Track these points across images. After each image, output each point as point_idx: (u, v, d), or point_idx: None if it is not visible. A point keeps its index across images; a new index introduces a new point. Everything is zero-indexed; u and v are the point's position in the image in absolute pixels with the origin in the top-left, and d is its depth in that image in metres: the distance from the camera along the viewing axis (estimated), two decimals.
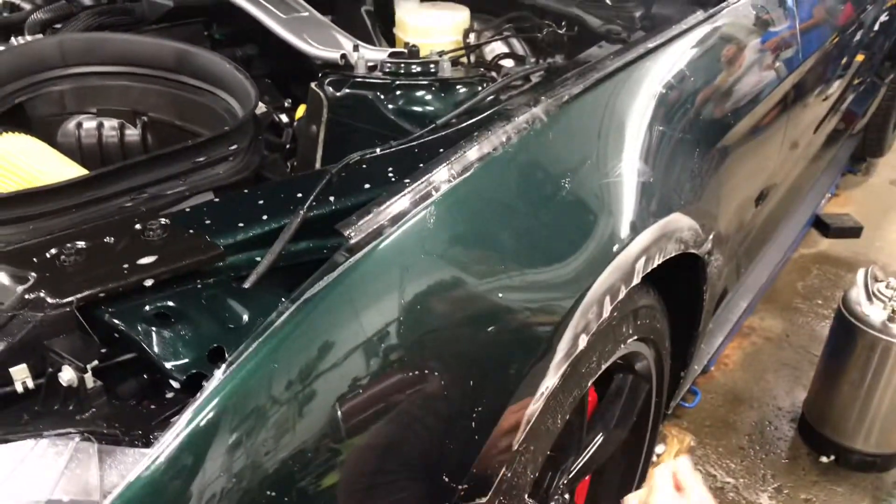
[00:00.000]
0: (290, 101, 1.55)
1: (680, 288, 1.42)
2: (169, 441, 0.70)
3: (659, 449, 2.08)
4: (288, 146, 1.41)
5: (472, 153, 0.94)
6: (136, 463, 0.69)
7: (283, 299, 0.80)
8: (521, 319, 0.94)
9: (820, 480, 2.10)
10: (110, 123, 1.22)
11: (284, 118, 1.49)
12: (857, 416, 2.11)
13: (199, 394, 0.72)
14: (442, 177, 0.91)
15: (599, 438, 1.41)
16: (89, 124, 1.21)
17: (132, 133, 1.22)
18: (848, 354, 2.07)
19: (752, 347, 2.65)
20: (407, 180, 0.90)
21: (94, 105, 1.24)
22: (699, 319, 1.50)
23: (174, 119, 1.26)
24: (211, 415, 0.71)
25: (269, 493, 0.73)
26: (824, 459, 2.14)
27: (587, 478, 1.59)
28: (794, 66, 1.82)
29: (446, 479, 0.85)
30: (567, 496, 1.37)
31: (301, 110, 1.46)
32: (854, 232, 3.33)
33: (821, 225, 3.36)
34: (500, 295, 0.91)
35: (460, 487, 0.86)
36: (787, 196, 2.33)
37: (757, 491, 2.06)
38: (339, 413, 0.77)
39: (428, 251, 0.86)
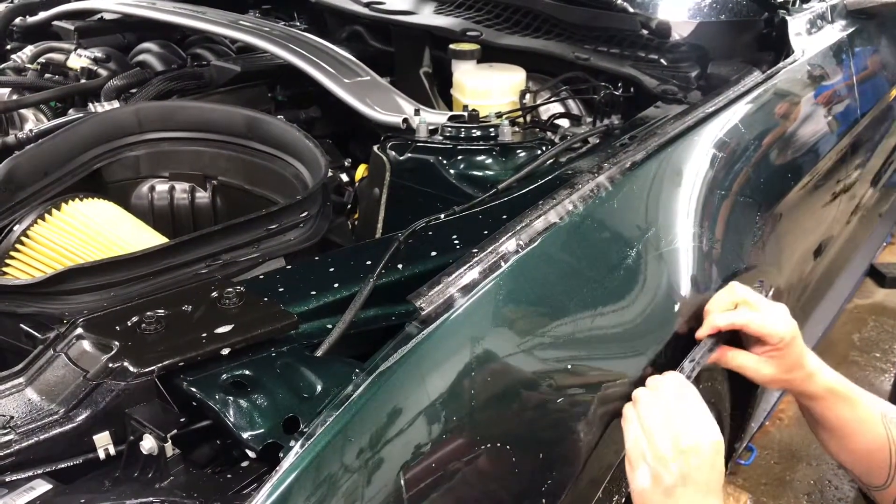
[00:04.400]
0: (349, 160, 1.59)
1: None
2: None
3: None
4: (349, 206, 1.44)
5: (539, 223, 0.96)
6: None
7: (357, 370, 0.82)
8: (588, 389, 0.94)
9: None
10: (181, 186, 1.26)
11: (345, 177, 1.53)
12: None
13: (277, 467, 0.74)
14: (510, 247, 0.92)
15: None
16: (162, 187, 1.26)
17: (202, 196, 1.27)
18: None
19: None
20: (475, 250, 0.92)
21: (166, 169, 1.29)
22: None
23: (243, 183, 1.30)
24: (287, 489, 0.73)
25: None
26: None
27: None
28: (850, 120, 1.81)
29: None
30: None
31: (361, 170, 1.49)
32: None
33: (876, 275, 3.28)
34: (569, 366, 0.91)
35: None
36: (844, 248, 2.29)
37: None
38: (402, 481, 0.78)
39: (497, 322, 0.87)
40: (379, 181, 1.32)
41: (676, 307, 1.04)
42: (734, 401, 1.43)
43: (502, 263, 0.90)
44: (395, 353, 0.81)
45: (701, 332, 0.99)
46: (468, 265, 0.90)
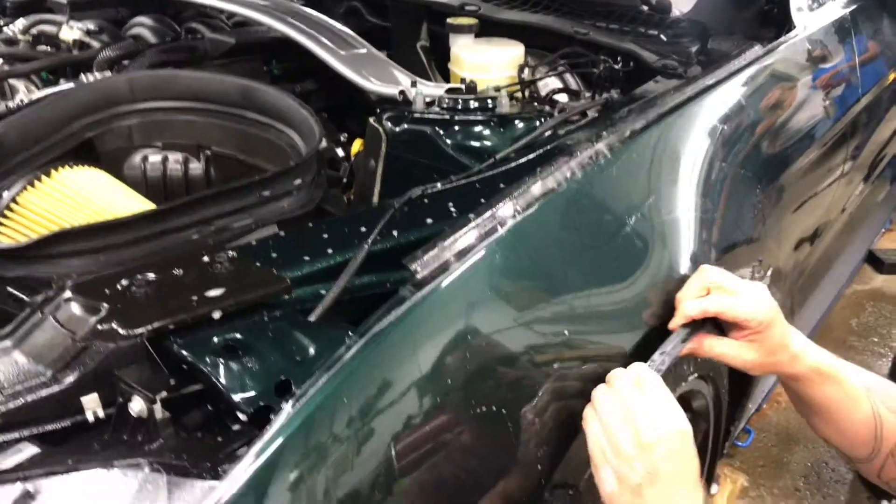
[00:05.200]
0: (345, 135, 1.57)
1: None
2: (238, 475, 0.70)
3: (712, 489, 2.03)
4: (345, 180, 1.43)
5: (536, 188, 0.94)
6: (204, 496, 0.69)
7: (350, 333, 0.81)
8: (584, 356, 0.93)
9: None
10: (175, 157, 1.25)
11: (340, 152, 1.51)
12: None
13: (267, 427, 0.72)
14: (507, 212, 0.91)
15: None
16: (155, 158, 1.24)
17: (196, 166, 1.25)
18: None
19: None
20: (471, 215, 0.90)
21: (159, 139, 1.28)
22: None
23: (237, 153, 1.28)
24: (279, 451, 0.72)
25: None
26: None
27: None
28: (852, 101, 1.80)
29: None
30: None
31: (357, 144, 1.47)
32: None
33: (875, 261, 3.27)
34: (566, 332, 0.90)
35: None
36: (842, 232, 2.28)
37: None
38: (393, 451, 0.77)
39: (493, 287, 0.86)
40: (375, 153, 1.30)
41: (676, 276, 1.02)
42: (732, 377, 1.42)
43: (499, 228, 0.89)
44: (388, 315, 0.79)
45: (673, 323, 0.93)
46: (464, 230, 0.88)
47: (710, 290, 0.93)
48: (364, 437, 0.76)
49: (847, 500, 2.11)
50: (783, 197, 1.45)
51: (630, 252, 1.00)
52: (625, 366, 0.93)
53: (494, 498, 0.84)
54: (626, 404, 0.80)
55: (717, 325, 0.97)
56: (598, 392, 0.84)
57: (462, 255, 0.86)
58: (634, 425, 0.78)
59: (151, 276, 0.89)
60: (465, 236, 0.88)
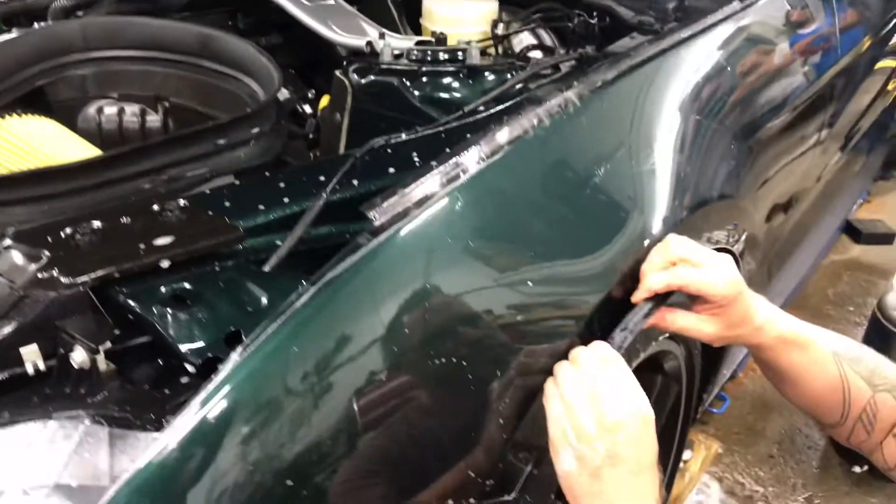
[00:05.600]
0: (314, 91, 1.52)
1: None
2: (182, 425, 0.67)
3: (686, 455, 2.02)
4: (311, 136, 1.38)
5: (502, 135, 0.90)
6: (148, 448, 0.66)
7: (303, 282, 0.77)
8: (547, 311, 0.90)
9: (853, 491, 2.03)
10: (132, 109, 1.20)
11: (308, 109, 1.47)
12: None
13: (213, 376, 0.69)
14: (470, 159, 0.87)
15: None
16: (110, 109, 1.19)
17: (153, 119, 1.20)
18: None
19: None
20: (434, 163, 0.87)
21: (115, 90, 1.22)
22: None
23: (197, 105, 1.23)
24: (226, 401, 0.68)
25: (283, 486, 0.69)
26: (857, 469, 2.07)
27: None
28: (829, 64, 1.77)
29: (472, 475, 0.81)
30: None
31: (325, 101, 1.43)
32: (887, 238, 3.24)
33: (852, 231, 3.27)
34: (530, 284, 0.86)
35: (487, 483, 0.82)
36: (817, 201, 2.27)
37: (787, 500, 2.00)
38: (355, 407, 0.73)
39: (455, 236, 0.82)
40: (340, 106, 1.26)
41: (642, 232, 0.99)
42: None
43: (462, 175, 0.85)
44: (342, 263, 0.76)
45: (636, 296, 0.90)
46: (426, 177, 0.85)
47: (674, 263, 0.90)
48: (320, 390, 0.72)
49: (820, 466, 2.12)
50: (759, 159, 1.42)
51: (599, 204, 0.97)
52: (589, 323, 0.91)
53: (455, 457, 0.81)
54: (590, 385, 0.78)
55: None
56: (562, 370, 0.81)
57: (423, 202, 0.82)
58: (598, 406, 0.76)
59: (97, 224, 0.85)
60: (427, 183, 0.84)
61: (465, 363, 0.80)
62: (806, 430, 2.24)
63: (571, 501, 0.77)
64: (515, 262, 0.86)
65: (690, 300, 0.92)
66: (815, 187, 2.11)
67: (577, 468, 0.76)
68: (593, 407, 0.76)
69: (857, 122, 2.37)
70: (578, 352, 0.83)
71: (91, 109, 1.20)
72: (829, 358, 0.94)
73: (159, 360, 0.81)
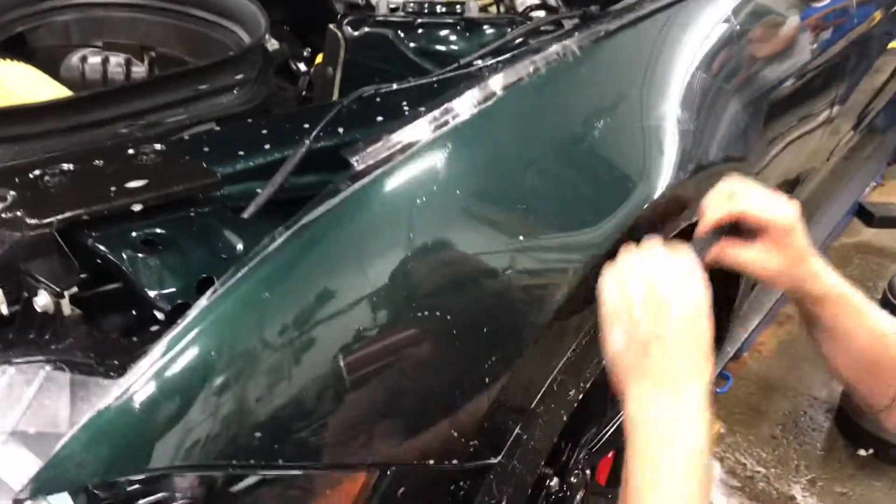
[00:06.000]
0: (309, 49, 1.47)
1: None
2: (145, 369, 0.63)
3: None
4: (304, 93, 1.34)
5: (496, 82, 0.86)
6: (107, 393, 0.63)
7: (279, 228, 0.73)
8: (538, 269, 0.85)
9: (857, 474, 1.99)
10: (116, 59, 1.15)
11: (303, 67, 1.42)
12: None
13: (181, 319, 0.65)
14: (462, 105, 0.83)
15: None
16: (94, 59, 1.15)
17: (139, 70, 1.16)
18: None
19: (788, 336, 2.53)
20: (423, 108, 0.83)
21: (99, 38, 1.18)
22: (735, 293, 1.40)
23: (183, 55, 1.19)
24: (195, 346, 0.65)
25: (261, 441, 0.66)
26: (862, 453, 2.03)
27: (611, 455, 1.51)
28: (844, 33, 1.71)
29: (455, 434, 0.77)
30: (588, 472, 1.28)
31: (320, 59, 1.38)
32: None
33: (864, 214, 3.20)
34: (521, 239, 0.82)
35: (471, 444, 0.78)
36: (828, 181, 2.21)
37: (789, 482, 1.96)
38: (342, 364, 0.70)
39: (441, 182, 0.78)
40: (333, 60, 1.21)
41: (646, 189, 0.95)
42: (716, 298, 1.36)
43: (451, 122, 0.81)
44: (318, 207, 0.72)
45: (700, 230, 0.89)
46: (414, 122, 0.80)
47: (733, 197, 0.88)
48: (303, 347, 0.69)
49: (823, 448, 2.08)
50: (768, 126, 1.36)
51: (597, 160, 0.93)
52: (583, 284, 0.86)
53: (437, 415, 0.77)
54: (650, 263, 0.77)
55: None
56: (625, 252, 0.81)
57: (408, 148, 0.78)
58: (653, 282, 0.75)
59: (67, 166, 0.81)
60: (414, 129, 0.80)
61: (449, 318, 0.76)
62: (810, 412, 2.20)
63: (618, 381, 0.75)
64: (506, 215, 0.82)
65: (748, 239, 0.88)
66: (825, 166, 2.05)
67: (626, 344, 0.74)
68: (649, 282, 0.75)
69: (871, 101, 2.31)
70: (649, 240, 0.82)
71: (74, 58, 1.15)
72: (886, 329, 0.89)
73: (130, 309, 0.77)
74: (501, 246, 0.80)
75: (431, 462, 0.76)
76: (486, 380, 0.78)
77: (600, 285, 0.79)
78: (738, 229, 0.88)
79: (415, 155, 0.77)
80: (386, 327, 0.72)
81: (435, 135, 0.79)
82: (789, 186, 1.68)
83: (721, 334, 1.53)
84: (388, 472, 0.73)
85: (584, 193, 0.90)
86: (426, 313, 0.74)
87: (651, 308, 0.74)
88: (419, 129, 0.80)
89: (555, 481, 1.20)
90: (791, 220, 0.86)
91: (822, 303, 0.89)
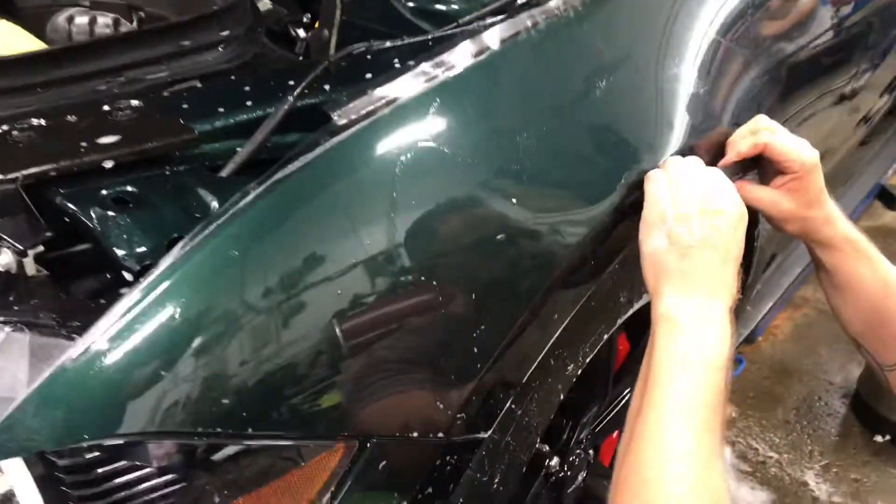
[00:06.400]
0: (308, 15, 1.42)
1: None
2: (105, 327, 0.59)
3: None
4: (301, 59, 1.29)
5: (491, 35, 0.81)
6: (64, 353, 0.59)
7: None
8: (537, 236, 0.80)
9: (872, 460, 1.93)
10: (104, 19, 1.11)
11: (302, 33, 1.37)
12: None
13: (145, 276, 0.61)
14: (454, 59, 0.78)
15: (628, 393, 1.27)
16: (81, 19, 1.11)
17: (127, 30, 1.12)
18: None
19: (804, 319, 2.47)
20: (412, 62, 0.78)
21: None
22: (748, 266, 1.34)
23: (173, 15, 1.15)
24: (161, 305, 0.61)
25: (248, 407, 0.62)
26: (879, 439, 1.97)
27: (615, 435, 1.46)
28: (868, 1, 1.63)
29: (440, 406, 0.73)
30: (591, 452, 1.24)
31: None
32: None
33: (886, 196, 3.12)
34: (514, 201, 0.77)
35: (458, 416, 0.74)
36: (845, 163, 2.14)
37: (802, 467, 1.90)
38: (318, 330, 0.65)
39: (428, 140, 0.73)
40: (329, 22, 1.16)
41: (651, 151, 0.89)
42: None
43: (442, 76, 0.76)
44: (295, 162, 0.67)
45: (725, 160, 0.91)
46: (401, 76, 0.76)
47: (758, 132, 0.90)
48: (292, 310, 0.65)
49: (838, 434, 2.02)
50: (786, 100, 1.30)
51: (598, 122, 0.87)
52: (578, 251, 0.82)
53: (421, 385, 0.73)
54: (697, 174, 0.80)
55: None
56: (672, 158, 0.84)
57: (394, 103, 0.73)
58: (703, 192, 0.77)
59: (37, 121, 0.77)
60: (401, 82, 0.75)
61: (435, 283, 0.71)
62: (825, 398, 2.14)
63: (651, 279, 0.78)
64: (499, 177, 0.77)
65: (767, 178, 0.92)
66: (845, 145, 1.98)
67: (668, 246, 0.76)
68: (697, 192, 0.77)
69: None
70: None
71: (61, 18, 1.12)
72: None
73: (99, 270, 0.73)
74: (493, 210, 0.75)
75: (415, 435, 0.72)
76: (475, 350, 0.74)
77: (647, 184, 0.81)
78: (759, 166, 0.92)
79: (400, 109, 0.72)
80: (364, 292, 0.68)
81: (423, 89, 0.74)
82: None
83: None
84: (369, 445, 0.69)
85: (584, 158, 0.85)
86: (409, 278, 0.70)
87: (703, 214, 0.75)
88: (407, 84, 0.75)
89: (555, 461, 1.16)
90: (812, 161, 0.88)
91: (833, 249, 0.90)
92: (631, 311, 1.04)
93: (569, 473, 1.19)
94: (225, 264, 0.63)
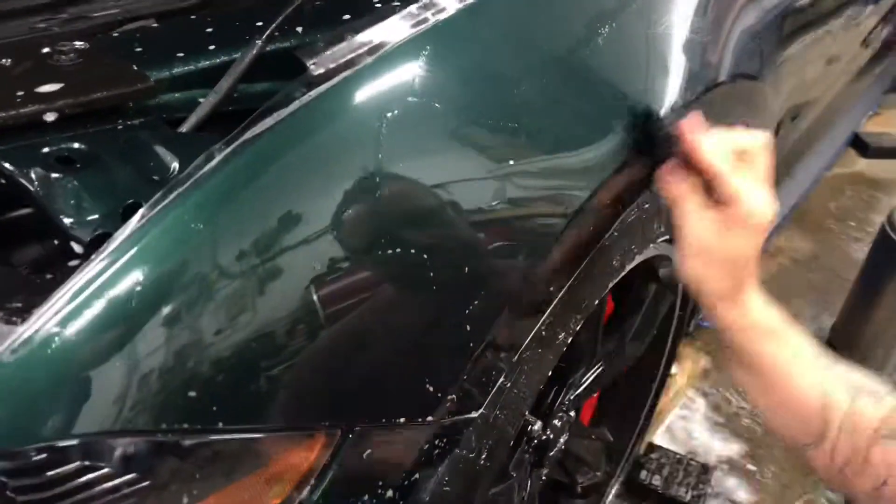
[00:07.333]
0: None
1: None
2: (51, 313, 0.51)
3: (672, 370, 1.92)
4: None
5: None
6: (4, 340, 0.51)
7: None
8: (528, 201, 0.73)
9: None
10: None
11: None
12: (888, 344, 1.94)
13: (99, 251, 0.53)
14: (444, 1, 0.69)
15: (613, 352, 1.24)
16: None
17: None
18: (888, 278, 1.88)
19: (779, 268, 2.46)
20: (397, 3, 0.69)
21: None
22: None
23: None
24: (116, 286, 0.53)
25: (218, 399, 0.55)
26: None
27: (596, 395, 1.43)
28: None
29: (431, 389, 0.67)
30: (573, 413, 1.20)
31: None
32: (894, 153, 3.08)
33: (859, 144, 3.10)
34: (511, 163, 0.70)
35: (448, 398, 0.68)
36: (824, 113, 2.10)
37: None
38: (293, 308, 0.58)
39: (417, 94, 0.65)
40: None
41: (648, 104, 0.82)
42: None
43: (431, 18, 0.68)
44: (267, 118, 0.59)
45: (675, 130, 0.73)
46: (385, 19, 0.67)
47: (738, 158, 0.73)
48: (267, 275, 0.57)
49: None
50: (785, 44, 1.24)
51: (600, 72, 0.80)
52: (575, 218, 0.75)
53: (410, 366, 0.67)
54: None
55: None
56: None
57: (377, 50, 0.65)
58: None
59: None
60: (386, 27, 0.66)
61: (424, 255, 0.64)
62: None
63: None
64: (494, 135, 0.70)
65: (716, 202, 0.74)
66: (829, 92, 1.94)
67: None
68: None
69: (878, 24, 2.17)
70: None
71: None
72: (808, 363, 0.77)
73: (42, 239, 0.65)
74: (487, 171, 0.68)
75: (403, 420, 0.66)
76: (468, 326, 0.68)
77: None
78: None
79: (385, 58, 0.64)
80: (347, 264, 0.61)
81: (410, 34, 0.65)
82: (796, 112, 1.56)
83: None
84: (352, 434, 0.63)
85: (583, 112, 0.78)
86: (397, 249, 0.63)
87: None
88: (391, 28, 0.66)
89: (538, 425, 1.12)
90: (764, 217, 0.72)
91: (744, 330, 0.78)
92: (622, 275, 0.98)
93: (551, 437, 1.16)
94: (188, 238, 0.55)
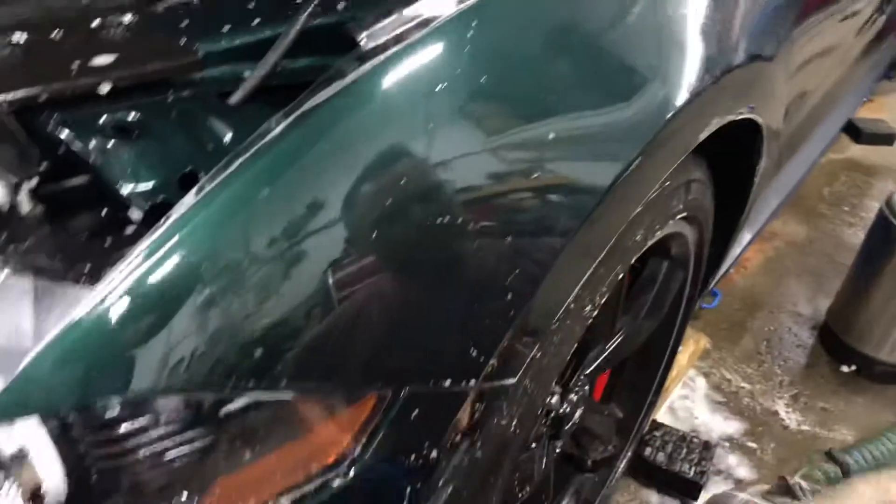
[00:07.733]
0: None
1: (727, 165, 1.23)
2: (122, 277, 0.53)
3: None
4: None
5: None
6: (75, 303, 0.53)
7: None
8: (566, 176, 0.75)
9: (840, 390, 1.99)
10: None
11: None
12: (885, 325, 1.98)
13: (163, 220, 0.55)
14: None
15: (627, 328, 1.26)
16: None
17: None
18: (886, 261, 1.92)
19: (774, 252, 2.50)
20: None
21: None
22: (745, 204, 1.33)
23: None
24: (182, 253, 0.55)
25: (256, 361, 0.57)
26: (845, 369, 2.03)
27: (606, 372, 1.46)
28: None
29: (474, 354, 0.69)
30: (587, 388, 1.23)
31: None
32: (887, 139, 3.12)
33: (852, 130, 3.15)
34: (551, 137, 0.72)
35: (490, 363, 0.71)
36: (821, 102, 2.13)
37: (773, 397, 1.95)
38: (330, 280, 0.60)
39: (468, 68, 0.67)
40: None
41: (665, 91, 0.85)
42: (720, 218, 1.29)
43: None
44: (323, 91, 0.61)
45: None
46: None
47: None
48: (300, 243, 0.59)
49: (807, 364, 2.07)
50: (801, 23, 1.26)
51: (631, 52, 0.82)
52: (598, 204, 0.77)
53: (456, 332, 0.69)
54: None
55: None
56: None
57: (428, 24, 0.67)
58: None
59: (20, 36, 0.69)
60: (434, 2, 0.68)
61: (470, 226, 0.66)
62: (795, 329, 2.19)
63: None
64: (538, 110, 0.71)
65: None
66: (835, 76, 1.96)
67: None
68: None
69: (868, 20, 2.20)
70: None
71: None
72: None
73: (100, 206, 0.66)
74: (531, 147, 0.70)
75: (448, 383, 0.68)
76: (509, 295, 0.70)
77: None
78: None
79: (434, 32, 0.66)
80: (402, 233, 0.63)
81: (459, 9, 0.67)
82: (803, 96, 1.59)
83: (722, 252, 1.47)
84: (401, 395, 0.65)
85: (619, 87, 0.80)
86: (446, 219, 0.65)
87: None
88: (439, 2, 0.68)
89: (555, 399, 1.15)
90: None
91: None
92: (644, 249, 1.01)
93: (568, 410, 1.19)
94: (252, 206, 0.57)
